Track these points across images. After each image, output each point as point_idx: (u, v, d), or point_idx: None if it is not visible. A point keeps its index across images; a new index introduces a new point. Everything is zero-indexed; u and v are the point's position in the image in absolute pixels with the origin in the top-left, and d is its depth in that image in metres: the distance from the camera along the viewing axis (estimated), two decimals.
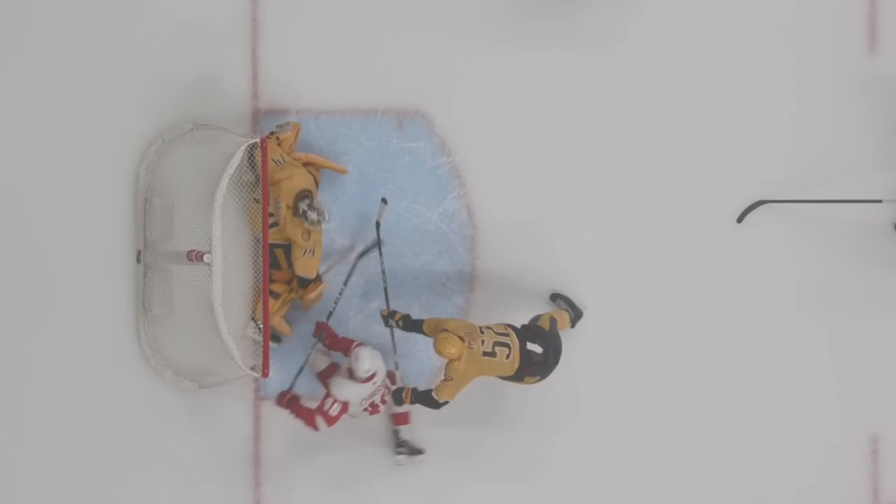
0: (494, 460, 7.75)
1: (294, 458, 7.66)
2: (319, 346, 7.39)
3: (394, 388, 7.33)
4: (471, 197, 7.77)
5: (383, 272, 7.49)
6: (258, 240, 7.19)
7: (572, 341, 7.67)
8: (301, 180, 7.28)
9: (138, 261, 7.52)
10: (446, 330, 7.01)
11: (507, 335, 7.09)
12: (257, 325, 7.26)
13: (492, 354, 7.02)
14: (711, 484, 7.78)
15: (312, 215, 7.19)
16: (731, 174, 7.76)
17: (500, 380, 7.21)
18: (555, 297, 7.69)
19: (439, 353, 6.98)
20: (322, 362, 7.47)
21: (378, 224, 7.51)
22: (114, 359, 7.58)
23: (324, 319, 7.41)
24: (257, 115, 7.68)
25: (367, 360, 7.00)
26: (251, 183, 7.21)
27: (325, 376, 7.40)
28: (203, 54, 7.65)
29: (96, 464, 7.60)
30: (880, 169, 7.74)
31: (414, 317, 7.28)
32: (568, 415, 7.76)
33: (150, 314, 7.47)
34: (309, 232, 7.26)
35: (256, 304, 7.28)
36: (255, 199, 7.23)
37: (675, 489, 7.78)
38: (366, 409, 7.24)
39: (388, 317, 7.33)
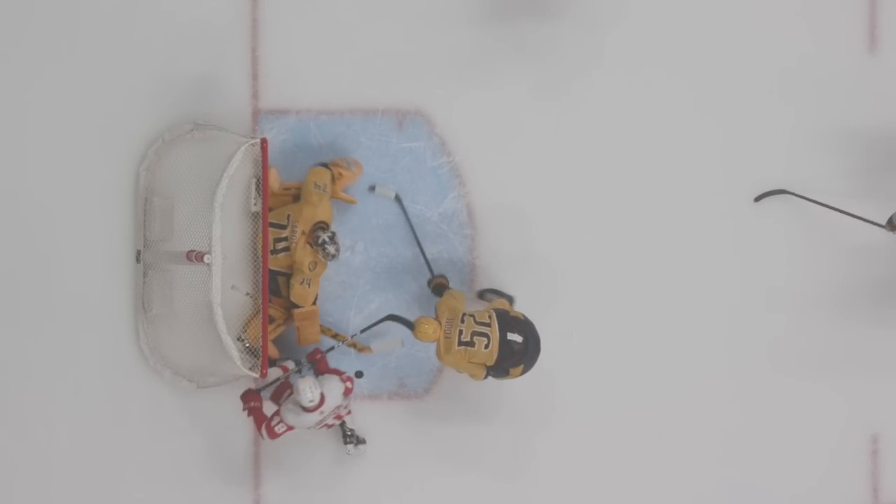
0: (494, 459, 7.76)
1: (294, 459, 7.65)
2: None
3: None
4: (471, 197, 7.77)
5: (418, 240, 7.56)
6: (258, 247, 7.21)
7: (575, 341, 7.70)
8: (325, 212, 7.30)
9: (138, 260, 7.52)
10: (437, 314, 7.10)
11: (488, 325, 7.10)
12: (244, 344, 7.23)
13: (469, 344, 7.05)
14: (711, 484, 7.78)
15: (331, 248, 7.20)
16: (729, 175, 7.76)
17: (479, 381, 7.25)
18: (483, 294, 7.67)
19: (416, 337, 7.04)
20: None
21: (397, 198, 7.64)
22: (113, 358, 7.58)
23: (323, 350, 7.40)
24: (257, 115, 7.68)
25: (308, 392, 6.87)
26: (257, 213, 7.24)
27: (277, 396, 7.32)
28: (203, 54, 7.66)
29: (96, 464, 7.60)
30: (881, 171, 7.76)
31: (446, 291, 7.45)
32: (568, 414, 7.76)
33: (149, 314, 7.46)
34: (316, 263, 7.27)
35: (249, 321, 7.27)
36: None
37: (674, 490, 7.78)
38: (321, 428, 7.20)
39: (429, 283, 7.50)
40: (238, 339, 7.19)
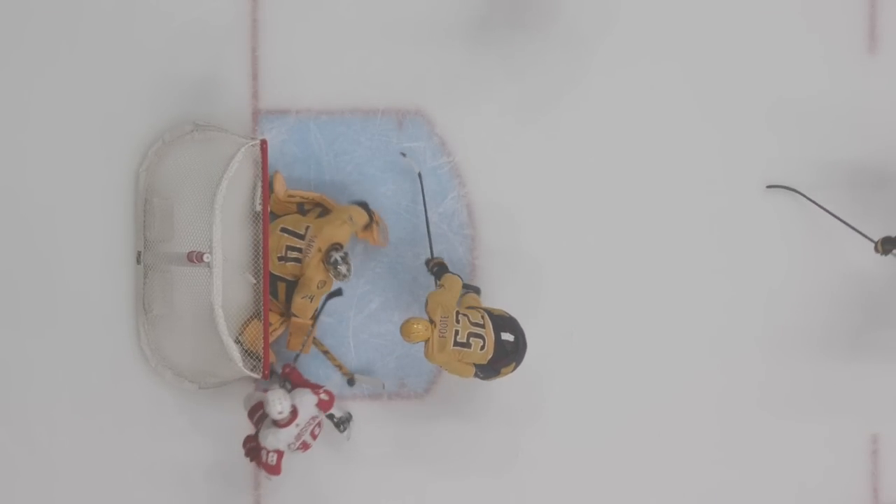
0: (494, 459, 7.77)
1: (293, 459, 7.63)
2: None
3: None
4: (471, 197, 7.77)
5: (427, 219, 7.51)
6: (259, 245, 7.22)
7: (575, 340, 7.71)
8: (343, 236, 7.31)
9: (138, 262, 7.52)
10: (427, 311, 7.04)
11: (482, 326, 7.07)
12: (241, 347, 7.23)
13: (465, 345, 7.01)
14: (711, 484, 7.79)
15: (343, 269, 7.22)
16: (728, 175, 7.76)
17: (477, 380, 7.24)
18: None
19: (404, 338, 6.97)
20: (251, 399, 7.33)
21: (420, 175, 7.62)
22: (114, 359, 7.57)
23: (292, 361, 7.42)
24: (257, 116, 7.68)
25: (277, 404, 6.89)
26: (259, 213, 7.28)
27: (252, 415, 7.29)
28: (203, 54, 7.65)
29: (96, 464, 7.60)
30: (880, 173, 7.77)
31: (444, 275, 7.40)
32: (569, 414, 7.77)
33: (150, 315, 7.46)
34: (325, 282, 7.29)
35: (246, 324, 7.28)
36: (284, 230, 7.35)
37: (674, 490, 7.79)
38: (298, 449, 7.18)
39: (427, 263, 7.45)
40: (235, 341, 7.20)
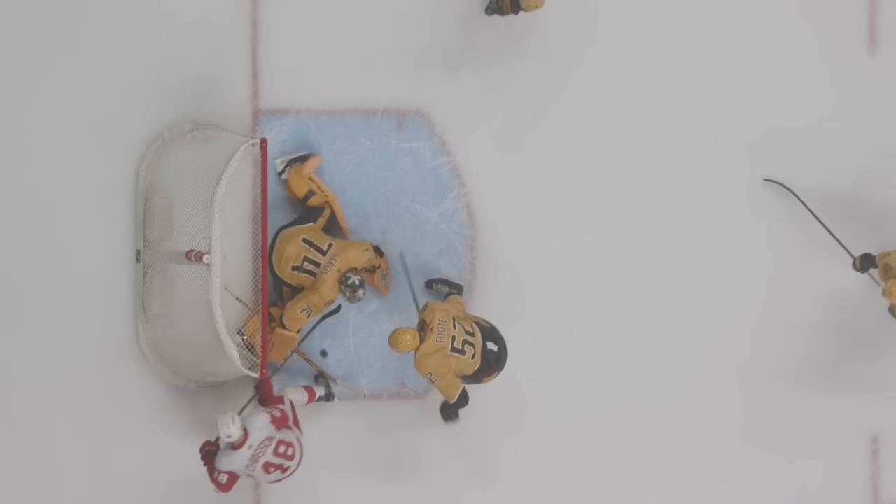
0: (494, 460, 7.77)
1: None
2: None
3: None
4: (471, 197, 7.77)
5: (412, 290, 7.45)
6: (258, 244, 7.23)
7: (575, 341, 7.71)
8: (364, 262, 7.38)
9: (138, 260, 7.52)
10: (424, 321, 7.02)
11: (473, 335, 7.10)
12: (243, 337, 7.24)
13: (461, 352, 7.02)
14: (711, 484, 7.79)
15: (360, 293, 7.28)
16: (728, 174, 7.77)
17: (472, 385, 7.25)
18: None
19: (392, 348, 6.95)
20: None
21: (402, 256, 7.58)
22: (113, 358, 7.57)
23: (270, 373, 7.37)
24: (257, 115, 7.69)
25: (224, 428, 6.75)
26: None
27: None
28: (203, 54, 7.66)
29: (95, 463, 7.60)
30: (878, 173, 7.78)
31: None
32: (571, 415, 7.77)
33: (149, 314, 7.47)
34: (333, 301, 7.33)
35: (250, 317, 7.30)
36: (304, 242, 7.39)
37: (674, 490, 7.79)
38: (270, 472, 7.04)
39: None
40: (238, 333, 7.21)
